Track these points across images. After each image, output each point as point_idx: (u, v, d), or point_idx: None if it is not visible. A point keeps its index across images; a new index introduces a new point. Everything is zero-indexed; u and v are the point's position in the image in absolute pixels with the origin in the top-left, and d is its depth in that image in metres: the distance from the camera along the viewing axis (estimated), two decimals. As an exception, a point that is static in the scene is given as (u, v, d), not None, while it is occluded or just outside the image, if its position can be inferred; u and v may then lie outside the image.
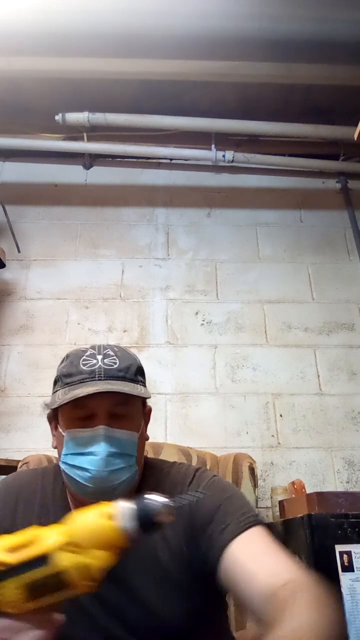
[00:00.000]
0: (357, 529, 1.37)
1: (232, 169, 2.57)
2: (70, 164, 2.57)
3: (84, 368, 0.83)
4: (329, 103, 2.43)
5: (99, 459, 0.78)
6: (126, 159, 2.60)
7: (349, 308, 2.28)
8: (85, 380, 0.81)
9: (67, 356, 0.90)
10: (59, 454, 0.85)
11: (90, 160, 2.58)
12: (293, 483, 1.77)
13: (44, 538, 0.55)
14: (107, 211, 2.48)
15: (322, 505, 1.43)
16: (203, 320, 2.22)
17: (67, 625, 0.69)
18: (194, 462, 1.38)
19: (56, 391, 0.87)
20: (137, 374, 0.87)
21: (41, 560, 0.53)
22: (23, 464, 1.23)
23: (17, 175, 2.55)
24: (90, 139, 2.46)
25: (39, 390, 2.03)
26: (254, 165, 2.54)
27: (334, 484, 1.91)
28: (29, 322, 2.18)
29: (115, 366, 0.83)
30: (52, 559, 0.53)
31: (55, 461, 1.28)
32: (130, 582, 0.80)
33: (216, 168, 2.57)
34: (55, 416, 0.89)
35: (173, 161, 2.60)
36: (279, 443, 1.98)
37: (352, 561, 1.37)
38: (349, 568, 1.36)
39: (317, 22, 1.77)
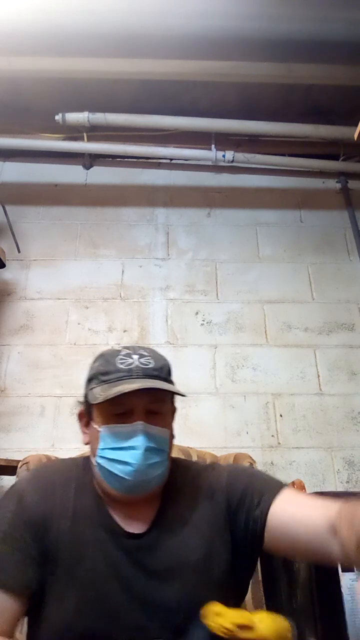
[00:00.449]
0: (357, 529, 1.37)
1: (232, 169, 2.57)
2: (70, 164, 2.57)
3: (121, 366, 0.86)
4: (329, 103, 2.43)
5: (140, 453, 0.82)
6: (126, 159, 2.60)
7: (349, 308, 2.28)
8: (123, 377, 0.84)
9: (101, 355, 0.93)
10: (94, 449, 0.88)
11: (90, 160, 2.58)
12: (293, 483, 1.77)
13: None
14: (107, 211, 2.48)
15: (322, 505, 1.43)
16: (203, 320, 2.22)
17: (110, 617, 0.77)
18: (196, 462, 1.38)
19: (92, 388, 0.89)
20: (169, 374, 0.91)
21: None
22: (23, 464, 1.23)
23: (17, 175, 2.55)
24: (90, 139, 2.46)
25: (39, 390, 2.03)
26: (254, 165, 2.54)
27: (334, 484, 1.91)
28: (29, 322, 2.18)
29: (151, 365, 0.87)
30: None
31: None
32: (168, 568, 0.84)
33: (216, 168, 2.57)
34: (88, 413, 0.92)
35: (173, 161, 2.60)
36: (279, 443, 1.98)
37: (352, 561, 1.36)
38: (349, 568, 1.36)
39: (317, 22, 1.77)
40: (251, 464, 1.36)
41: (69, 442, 1.89)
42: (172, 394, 0.90)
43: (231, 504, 0.89)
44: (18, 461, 1.27)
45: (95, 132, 2.46)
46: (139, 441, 0.82)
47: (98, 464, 0.86)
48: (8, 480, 1.84)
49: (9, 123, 2.44)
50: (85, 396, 0.93)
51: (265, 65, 1.92)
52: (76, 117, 2.35)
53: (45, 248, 2.36)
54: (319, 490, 1.66)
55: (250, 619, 0.70)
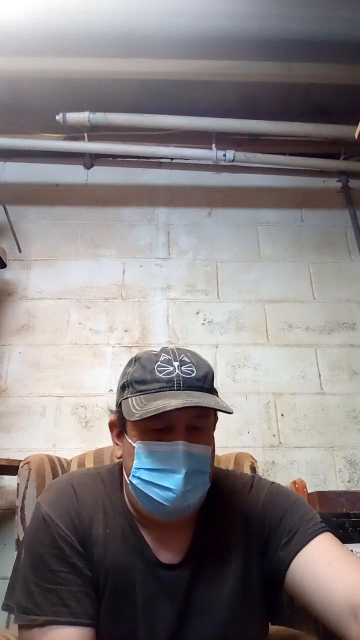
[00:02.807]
0: (358, 528, 1.37)
1: (233, 169, 2.57)
2: (71, 164, 2.57)
3: (161, 375, 0.77)
4: (330, 102, 2.43)
5: (181, 478, 0.73)
6: (127, 159, 2.60)
7: (350, 307, 2.28)
8: (163, 389, 0.76)
9: (137, 359, 0.84)
10: (128, 466, 0.79)
11: (91, 160, 2.58)
12: (294, 482, 1.77)
13: None
14: (108, 211, 2.48)
15: (324, 504, 1.43)
16: (204, 320, 2.22)
17: None
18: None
19: (127, 398, 0.80)
20: (212, 383, 0.83)
21: None
22: (24, 464, 1.23)
23: (17, 175, 2.55)
24: (90, 139, 2.46)
25: (40, 390, 2.03)
26: (254, 165, 2.54)
27: (335, 484, 1.91)
28: (30, 322, 2.19)
29: (194, 375, 0.78)
30: None
31: (57, 461, 1.28)
32: (205, 601, 0.78)
33: (217, 167, 2.57)
34: (121, 423, 0.83)
35: (174, 161, 2.60)
36: (280, 442, 1.98)
37: (353, 560, 1.36)
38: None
39: (317, 21, 1.77)
40: (253, 463, 1.36)
41: (69, 442, 1.89)
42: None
43: (263, 533, 0.82)
44: (19, 461, 1.27)
45: (96, 132, 2.46)
46: (180, 464, 0.74)
47: (132, 483, 0.78)
48: (9, 480, 1.85)
49: (10, 123, 2.44)
50: (119, 405, 0.83)
51: (266, 64, 1.91)
52: (77, 117, 2.35)
53: (46, 248, 2.36)
54: (321, 490, 1.66)
55: None
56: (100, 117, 2.35)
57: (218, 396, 0.82)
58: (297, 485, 1.75)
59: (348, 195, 2.54)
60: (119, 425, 0.84)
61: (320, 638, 1.02)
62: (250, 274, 2.34)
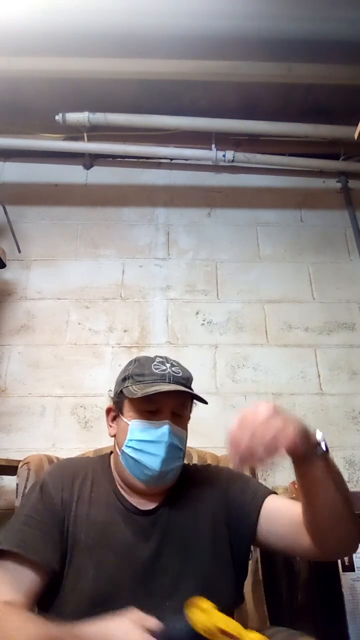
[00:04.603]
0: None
1: (233, 169, 2.57)
2: (70, 164, 2.57)
3: (156, 371, 0.98)
4: (329, 102, 2.42)
5: (165, 447, 0.94)
6: (126, 159, 2.60)
7: (350, 308, 2.28)
8: (157, 381, 0.96)
9: (137, 360, 1.04)
10: (121, 440, 0.98)
11: (90, 160, 2.58)
12: (294, 483, 1.77)
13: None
14: (108, 211, 2.48)
15: (323, 505, 1.42)
16: (204, 320, 2.22)
17: (127, 597, 0.84)
18: (195, 462, 1.38)
19: (127, 386, 0.99)
20: (191, 385, 1.03)
21: None
22: (24, 464, 1.23)
23: (17, 175, 2.55)
24: (90, 139, 2.46)
25: (40, 390, 2.03)
26: (254, 165, 2.54)
27: (334, 484, 1.91)
28: (30, 322, 2.18)
29: (180, 374, 0.99)
30: None
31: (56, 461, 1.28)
32: (188, 555, 0.93)
33: (216, 168, 2.57)
34: (118, 408, 1.02)
35: (173, 161, 2.60)
36: (280, 443, 1.98)
37: (352, 561, 1.37)
38: (349, 568, 1.36)
39: (317, 22, 1.77)
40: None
41: (69, 442, 1.89)
42: (191, 402, 1.02)
43: (229, 498, 1.01)
44: (19, 461, 1.27)
45: (96, 132, 2.46)
46: (165, 437, 0.94)
47: (124, 452, 0.97)
48: (8, 480, 1.85)
49: (9, 123, 2.44)
50: (118, 393, 1.02)
51: (265, 65, 1.92)
52: (76, 117, 2.35)
53: (46, 248, 2.36)
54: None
55: (238, 630, 0.68)
56: (100, 117, 2.35)
57: None
58: (296, 486, 1.75)
59: (347, 195, 2.54)
60: (116, 410, 1.04)
61: (320, 638, 1.03)
62: (250, 274, 2.34)
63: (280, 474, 1.91)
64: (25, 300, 2.23)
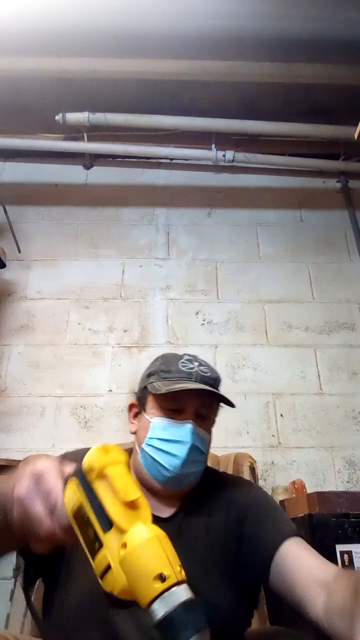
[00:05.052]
0: (357, 529, 1.37)
1: (233, 169, 2.57)
2: (70, 164, 2.57)
3: (183, 369, 0.93)
4: (329, 103, 2.43)
5: (186, 448, 0.88)
6: (126, 159, 2.60)
7: (350, 308, 2.28)
8: (183, 378, 0.91)
9: (163, 356, 1.00)
10: (141, 437, 0.93)
11: (90, 160, 2.58)
12: (294, 483, 1.77)
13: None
14: (108, 211, 2.48)
15: (323, 505, 1.43)
16: (203, 320, 2.22)
17: (114, 618, 0.75)
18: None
19: (152, 382, 0.94)
20: (219, 387, 0.97)
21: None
22: (24, 464, 1.22)
23: (17, 175, 2.55)
24: (90, 139, 2.46)
25: (40, 390, 2.03)
26: (254, 165, 2.54)
27: (334, 484, 1.91)
28: (30, 322, 2.18)
29: (209, 375, 0.94)
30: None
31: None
32: (195, 567, 0.81)
33: (216, 168, 2.57)
34: (141, 404, 0.97)
35: (173, 161, 2.60)
36: (280, 443, 1.98)
37: (352, 560, 1.37)
38: (349, 567, 1.36)
39: (317, 22, 1.77)
40: (252, 463, 1.36)
41: (69, 442, 1.89)
42: (217, 404, 0.96)
43: (244, 523, 0.90)
44: (19, 461, 1.27)
45: (96, 132, 2.46)
46: (188, 437, 0.89)
47: (143, 450, 0.92)
48: (9, 480, 1.84)
49: (9, 123, 2.44)
50: (142, 388, 0.97)
51: (265, 65, 1.91)
52: (76, 117, 2.35)
53: (46, 248, 2.36)
54: (320, 490, 1.65)
55: (138, 497, 0.53)
56: (100, 117, 2.35)
57: None
58: (296, 486, 1.75)
59: (347, 195, 2.54)
60: (138, 406, 0.98)
61: (320, 638, 1.02)
62: (250, 274, 2.34)
63: (281, 473, 1.91)
64: (25, 300, 2.23)
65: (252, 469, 1.37)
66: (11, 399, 2.02)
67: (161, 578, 0.47)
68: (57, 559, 0.84)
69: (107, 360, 2.10)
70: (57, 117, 2.34)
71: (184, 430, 0.89)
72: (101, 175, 2.58)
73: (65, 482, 0.58)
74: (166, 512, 0.92)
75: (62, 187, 2.53)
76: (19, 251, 2.31)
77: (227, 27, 1.78)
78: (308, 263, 2.38)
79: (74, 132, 2.45)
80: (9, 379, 2.06)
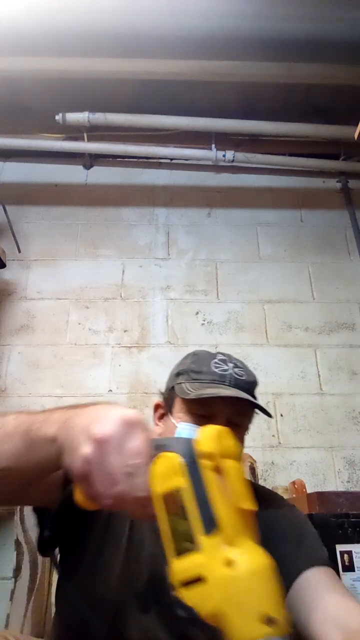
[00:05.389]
0: (357, 529, 1.37)
1: (233, 169, 2.57)
2: (70, 164, 2.56)
3: (216, 370, 0.86)
4: (329, 103, 2.42)
5: None
6: (126, 159, 2.59)
7: (350, 308, 2.28)
8: (215, 381, 0.84)
9: (195, 354, 0.93)
10: None
11: (90, 160, 2.57)
12: (294, 483, 1.77)
13: None
14: (108, 211, 2.48)
15: (323, 505, 1.43)
16: (204, 320, 2.22)
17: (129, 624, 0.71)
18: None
19: (181, 383, 0.87)
20: (255, 392, 0.90)
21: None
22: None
23: (17, 175, 2.55)
24: (90, 139, 2.46)
25: (40, 390, 2.03)
26: (254, 165, 2.54)
27: (334, 484, 1.91)
28: (30, 322, 2.18)
29: (244, 378, 0.87)
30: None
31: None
32: None
33: (216, 168, 2.57)
34: (168, 405, 0.90)
35: (173, 161, 2.60)
36: (280, 443, 1.98)
37: (352, 561, 1.37)
38: (349, 568, 1.36)
39: (317, 22, 1.77)
40: (252, 463, 1.36)
41: (69, 442, 1.89)
42: (252, 411, 0.88)
43: (269, 544, 0.82)
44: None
45: (96, 132, 2.46)
46: None
47: None
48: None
49: (9, 123, 2.44)
50: (170, 389, 0.90)
51: (265, 65, 1.91)
52: (76, 117, 2.35)
53: (46, 248, 2.36)
54: (320, 490, 1.65)
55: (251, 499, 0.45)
56: (100, 117, 2.35)
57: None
58: (296, 486, 1.75)
59: (348, 195, 2.54)
60: (165, 408, 0.91)
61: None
62: (250, 274, 2.34)
63: (281, 473, 1.91)
64: (25, 300, 2.23)
65: (252, 469, 1.37)
66: (11, 399, 2.02)
67: (270, 621, 0.39)
68: (85, 527, 0.78)
69: (107, 360, 2.10)
70: (57, 117, 2.34)
71: None
72: (101, 175, 2.58)
73: (157, 452, 0.49)
74: None
75: (62, 187, 2.53)
76: (19, 251, 2.31)
77: (227, 27, 1.78)
78: (308, 263, 2.38)
79: (74, 132, 2.45)
80: (9, 379, 2.06)
